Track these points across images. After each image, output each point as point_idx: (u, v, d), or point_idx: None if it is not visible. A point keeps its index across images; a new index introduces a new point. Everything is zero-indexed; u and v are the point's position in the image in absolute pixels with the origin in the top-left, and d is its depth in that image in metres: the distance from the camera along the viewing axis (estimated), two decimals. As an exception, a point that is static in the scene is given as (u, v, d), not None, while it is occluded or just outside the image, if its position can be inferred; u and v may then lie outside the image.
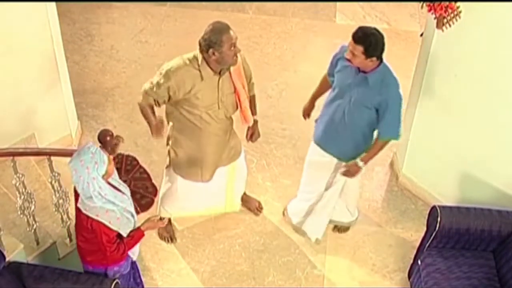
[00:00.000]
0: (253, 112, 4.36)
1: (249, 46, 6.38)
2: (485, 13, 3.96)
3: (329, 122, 4.22)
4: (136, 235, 3.68)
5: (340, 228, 4.88)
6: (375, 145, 4.16)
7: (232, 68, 4.01)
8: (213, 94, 4.02)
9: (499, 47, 4.04)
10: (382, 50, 3.86)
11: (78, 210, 3.52)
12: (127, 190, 3.70)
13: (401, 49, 6.24)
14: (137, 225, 3.74)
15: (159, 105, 4.09)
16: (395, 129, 4.07)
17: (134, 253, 3.89)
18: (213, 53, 3.83)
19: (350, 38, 3.86)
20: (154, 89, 3.99)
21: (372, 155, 4.19)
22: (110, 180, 3.53)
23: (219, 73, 3.97)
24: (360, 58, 3.83)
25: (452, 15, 4.00)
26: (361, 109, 4.03)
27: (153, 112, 4.14)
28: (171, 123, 4.29)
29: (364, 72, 3.94)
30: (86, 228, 3.53)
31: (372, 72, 3.92)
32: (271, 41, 6.48)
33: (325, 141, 4.31)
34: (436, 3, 3.94)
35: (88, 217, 3.47)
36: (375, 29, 3.84)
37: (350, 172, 4.24)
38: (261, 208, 5.03)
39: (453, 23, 4.04)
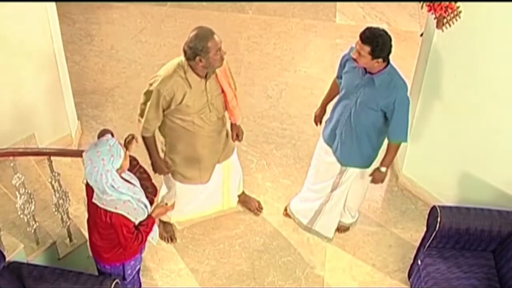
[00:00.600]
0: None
1: (249, 46, 6.39)
2: (485, 13, 3.96)
3: (336, 122, 4.23)
4: (150, 222, 3.70)
5: (339, 228, 4.88)
6: (389, 149, 4.18)
7: (217, 69, 4.00)
8: (202, 99, 4.01)
9: (499, 47, 4.04)
10: (389, 51, 3.85)
11: (94, 206, 3.52)
12: (137, 183, 3.72)
13: (401, 49, 6.22)
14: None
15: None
16: (402, 132, 4.06)
17: (154, 238, 3.90)
18: (200, 60, 3.82)
19: (351, 38, 3.85)
20: (151, 111, 3.97)
21: (390, 159, 4.23)
22: (122, 174, 3.54)
23: (205, 77, 3.97)
24: (366, 58, 3.82)
25: (452, 15, 4.01)
26: (367, 111, 4.03)
27: (156, 145, 4.18)
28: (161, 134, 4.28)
29: (371, 73, 3.93)
30: (105, 223, 3.53)
31: (379, 73, 3.91)
32: (271, 41, 6.48)
33: (332, 141, 4.32)
34: (436, 3, 3.94)
35: (106, 211, 3.47)
36: (383, 30, 3.83)
37: (376, 179, 4.30)
38: (261, 208, 5.03)
39: (453, 23, 4.05)
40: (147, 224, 3.67)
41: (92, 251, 3.85)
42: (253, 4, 6.84)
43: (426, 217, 4.34)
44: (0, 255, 3.79)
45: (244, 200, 4.98)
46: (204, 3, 6.81)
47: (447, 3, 3.92)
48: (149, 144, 4.19)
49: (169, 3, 6.82)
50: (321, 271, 4.72)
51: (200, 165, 4.36)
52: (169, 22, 6.63)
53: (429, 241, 4.26)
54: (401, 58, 6.12)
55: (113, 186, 3.42)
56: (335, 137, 4.27)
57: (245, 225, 4.97)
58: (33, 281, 3.83)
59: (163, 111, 4.01)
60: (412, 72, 4.93)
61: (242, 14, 6.72)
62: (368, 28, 3.82)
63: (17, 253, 4.02)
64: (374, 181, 4.32)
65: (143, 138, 4.16)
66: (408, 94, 4.01)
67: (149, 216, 3.71)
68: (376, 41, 3.76)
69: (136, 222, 3.59)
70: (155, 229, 3.86)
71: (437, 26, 4.10)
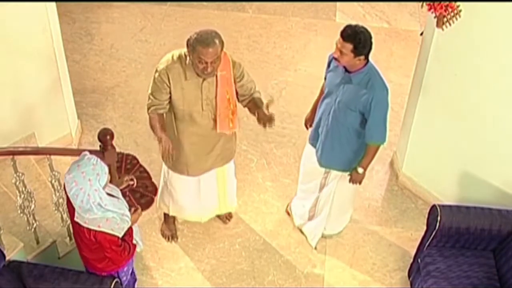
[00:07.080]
0: (259, 106, 4.12)
1: (249, 45, 6.39)
2: (485, 12, 3.96)
3: (318, 121, 4.22)
4: (130, 230, 3.69)
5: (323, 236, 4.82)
6: (368, 150, 4.13)
7: (219, 74, 3.97)
8: (196, 95, 4.00)
9: (499, 46, 4.04)
10: (370, 48, 3.83)
11: (77, 225, 3.49)
12: (119, 193, 3.70)
13: (401, 49, 6.23)
14: None
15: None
16: (379, 133, 4.01)
17: (140, 245, 3.90)
18: (188, 53, 3.87)
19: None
20: (156, 96, 3.99)
21: (368, 161, 4.18)
22: (105, 188, 3.52)
23: (200, 75, 3.95)
24: (348, 56, 3.80)
25: (452, 14, 4.01)
26: (345, 111, 3.99)
27: (163, 127, 4.13)
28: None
29: (350, 72, 3.91)
30: (90, 241, 3.52)
31: (357, 72, 3.89)
32: (271, 40, 6.48)
33: (316, 141, 4.31)
34: (436, 2, 3.94)
35: (90, 229, 3.45)
36: (363, 27, 3.81)
37: (353, 180, 4.26)
38: (231, 217, 4.98)
39: (453, 22, 4.05)
40: (129, 233, 3.67)
41: (84, 263, 3.83)
42: (253, 3, 6.84)
43: (426, 216, 4.34)
44: (0, 254, 3.80)
45: None
46: (204, 2, 6.81)
47: (447, 2, 3.92)
48: (153, 122, 4.11)
49: (169, 2, 6.82)
50: (321, 270, 4.73)
51: (186, 160, 4.33)
52: (169, 21, 6.63)
53: (429, 240, 4.26)
54: (401, 58, 6.15)
55: (100, 205, 3.39)
56: (318, 136, 4.26)
57: (245, 224, 4.97)
58: (33, 280, 3.83)
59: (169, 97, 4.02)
60: (412, 71, 4.93)
61: (242, 13, 6.72)
62: (348, 26, 3.80)
63: (17, 252, 4.03)
64: (351, 181, 4.27)
65: (151, 121, 4.11)
66: (386, 94, 3.93)
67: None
68: (359, 38, 3.74)
69: (121, 235, 3.56)
70: (138, 234, 3.85)
71: (437, 25, 4.10)
